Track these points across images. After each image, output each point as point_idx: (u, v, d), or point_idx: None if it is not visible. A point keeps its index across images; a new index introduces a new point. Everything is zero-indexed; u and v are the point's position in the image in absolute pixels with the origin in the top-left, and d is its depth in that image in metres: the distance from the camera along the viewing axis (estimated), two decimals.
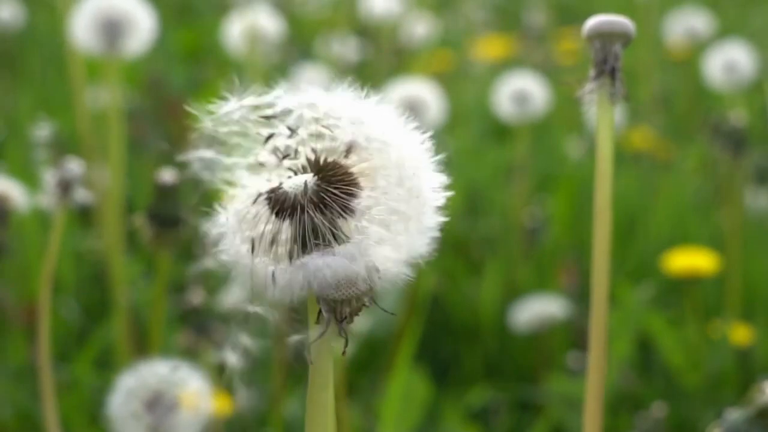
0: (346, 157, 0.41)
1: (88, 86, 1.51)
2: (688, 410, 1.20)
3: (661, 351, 1.24)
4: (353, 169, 0.41)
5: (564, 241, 1.50)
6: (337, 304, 0.40)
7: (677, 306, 1.32)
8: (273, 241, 0.41)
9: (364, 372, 1.28)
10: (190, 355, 0.95)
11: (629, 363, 1.23)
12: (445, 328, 1.38)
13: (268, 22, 1.61)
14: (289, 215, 0.41)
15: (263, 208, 0.41)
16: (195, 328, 0.99)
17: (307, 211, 0.40)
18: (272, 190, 0.41)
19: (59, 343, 1.23)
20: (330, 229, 0.40)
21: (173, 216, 0.88)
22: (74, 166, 0.78)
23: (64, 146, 1.49)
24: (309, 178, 0.41)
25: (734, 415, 0.56)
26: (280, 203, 0.41)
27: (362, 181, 0.41)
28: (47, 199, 0.78)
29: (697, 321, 1.26)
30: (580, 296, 1.35)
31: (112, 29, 1.19)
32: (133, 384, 0.81)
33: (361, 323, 1.20)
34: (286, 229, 0.41)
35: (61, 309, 1.29)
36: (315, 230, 0.40)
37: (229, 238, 0.42)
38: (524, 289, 1.39)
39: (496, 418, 1.21)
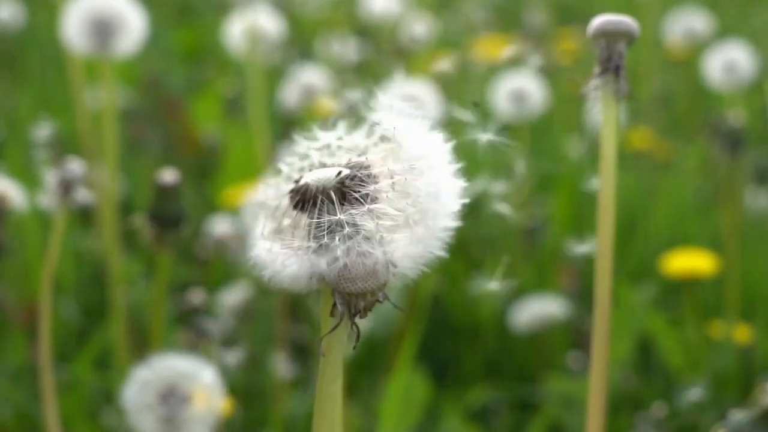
0: (367, 155, 0.42)
1: (88, 86, 1.50)
2: (689, 410, 1.20)
3: (661, 351, 1.24)
4: (374, 167, 0.42)
5: (564, 241, 1.50)
6: (353, 298, 0.40)
7: (677, 306, 1.32)
8: (293, 233, 0.42)
9: (364, 372, 1.28)
10: (190, 355, 0.95)
11: (629, 363, 1.23)
12: (445, 328, 1.38)
13: (268, 22, 1.61)
14: (310, 208, 0.41)
15: (286, 201, 0.42)
16: (195, 328, 0.99)
17: (328, 205, 0.41)
18: (295, 184, 0.42)
19: (59, 343, 1.23)
20: (349, 223, 0.41)
21: (173, 216, 0.88)
22: (75, 166, 0.78)
23: (64, 146, 1.49)
24: (331, 172, 0.41)
25: (738, 416, 0.56)
26: (301, 196, 0.42)
27: (382, 179, 0.42)
28: (48, 199, 0.78)
29: (697, 321, 1.26)
30: (580, 296, 1.35)
31: (103, 29, 1.19)
32: (148, 376, 0.81)
33: (361, 323, 1.20)
34: (306, 221, 0.41)
35: (61, 309, 1.29)
36: (334, 223, 0.41)
37: (254, 231, 0.42)
38: (524, 289, 1.39)
39: (496, 418, 1.21)
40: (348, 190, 0.41)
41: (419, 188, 0.41)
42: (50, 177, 0.78)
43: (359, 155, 0.43)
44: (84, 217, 1.46)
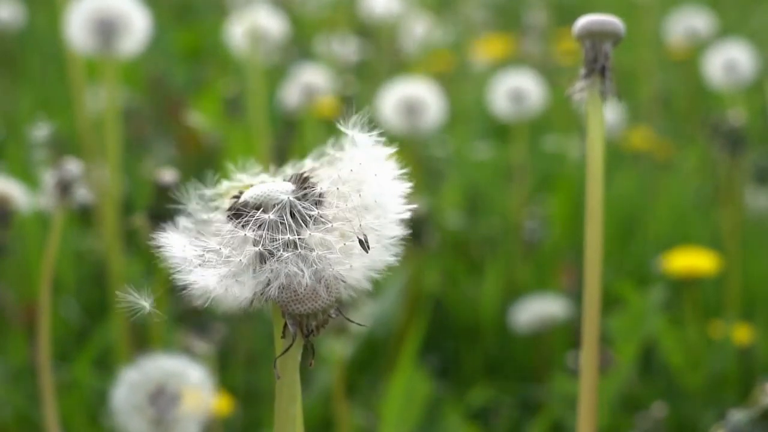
0: (311, 171, 0.41)
1: (88, 86, 1.50)
2: (689, 410, 1.20)
3: (662, 351, 1.24)
4: (318, 183, 0.41)
5: (564, 241, 1.50)
6: (303, 318, 0.39)
7: (677, 306, 1.32)
8: (232, 252, 0.40)
9: (364, 372, 1.28)
10: (190, 355, 0.95)
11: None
12: (446, 328, 1.38)
13: (270, 22, 1.61)
14: (249, 226, 0.40)
15: (224, 219, 0.41)
16: (195, 328, 0.99)
17: (269, 222, 0.39)
18: (234, 201, 0.41)
19: (59, 343, 1.23)
20: (290, 241, 0.39)
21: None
22: (73, 166, 0.78)
23: (63, 146, 1.49)
24: (272, 188, 0.40)
25: (738, 416, 0.56)
26: (238, 212, 0.40)
27: (326, 194, 0.40)
28: (47, 199, 0.78)
29: (698, 321, 1.26)
30: (580, 296, 1.35)
31: (107, 29, 1.19)
32: (137, 377, 0.81)
33: (361, 323, 1.20)
34: (247, 240, 0.40)
35: (61, 309, 1.29)
36: (276, 241, 0.39)
37: (181, 250, 0.41)
38: (524, 289, 1.39)
39: (496, 418, 1.21)
40: (289, 207, 0.40)
41: (364, 200, 0.40)
42: (48, 177, 0.78)
43: (302, 171, 0.41)
44: (84, 217, 1.46)
